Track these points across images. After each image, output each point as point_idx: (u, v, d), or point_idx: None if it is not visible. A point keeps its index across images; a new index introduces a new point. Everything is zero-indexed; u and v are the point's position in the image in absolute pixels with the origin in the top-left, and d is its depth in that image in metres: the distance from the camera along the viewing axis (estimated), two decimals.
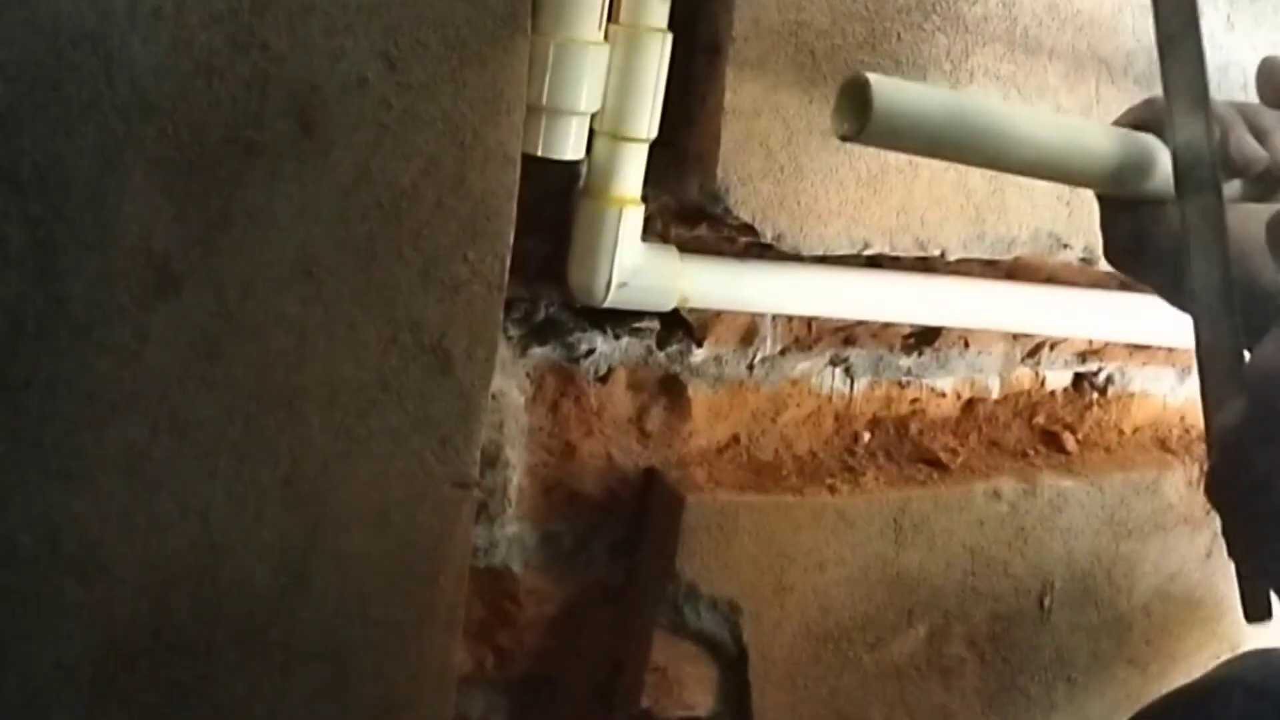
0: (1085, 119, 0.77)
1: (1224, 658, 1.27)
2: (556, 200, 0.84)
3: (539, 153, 0.78)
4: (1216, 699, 0.92)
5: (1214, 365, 0.66)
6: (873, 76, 0.61)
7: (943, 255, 0.94)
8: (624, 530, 0.96)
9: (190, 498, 0.73)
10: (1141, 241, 0.75)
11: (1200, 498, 1.19)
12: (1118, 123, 0.75)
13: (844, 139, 0.63)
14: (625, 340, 0.92)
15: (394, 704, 0.83)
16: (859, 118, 0.61)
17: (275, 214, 0.71)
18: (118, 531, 0.71)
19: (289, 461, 0.75)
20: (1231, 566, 0.74)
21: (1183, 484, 1.18)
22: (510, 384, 0.88)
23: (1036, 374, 1.13)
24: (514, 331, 0.87)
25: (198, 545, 0.74)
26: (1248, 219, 0.69)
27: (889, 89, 0.62)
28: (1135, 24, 0.97)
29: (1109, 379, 1.17)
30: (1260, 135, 0.71)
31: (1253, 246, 0.68)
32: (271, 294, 0.72)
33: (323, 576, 0.78)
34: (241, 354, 0.72)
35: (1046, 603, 1.13)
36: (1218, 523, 1.17)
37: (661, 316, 0.91)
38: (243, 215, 0.70)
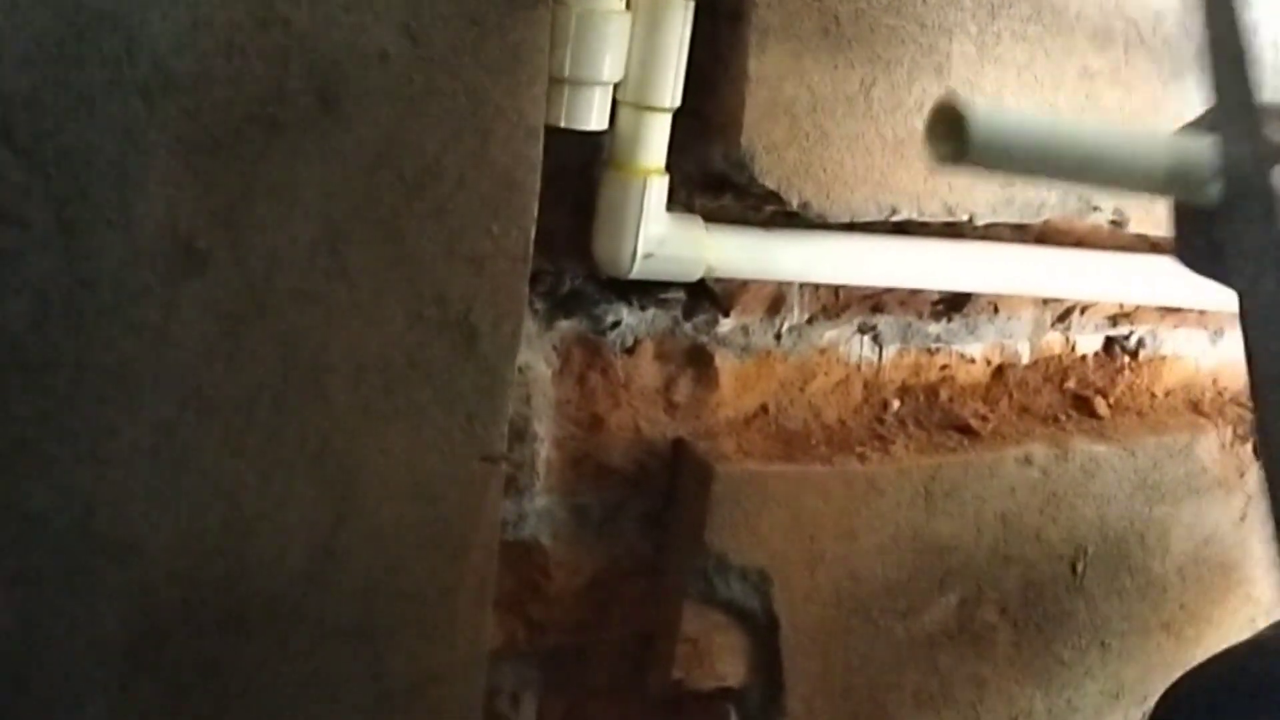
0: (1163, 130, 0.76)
1: (1259, 621, 1.27)
2: (581, 172, 0.84)
3: (562, 124, 0.78)
4: (1270, 657, 0.90)
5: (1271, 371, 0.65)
6: (968, 107, 0.60)
7: (971, 220, 0.93)
8: (653, 502, 0.96)
9: (219, 476, 0.73)
10: (1218, 247, 0.74)
11: (1234, 460, 1.19)
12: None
13: (942, 161, 0.63)
14: (651, 311, 0.91)
15: (426, 678, 0.83)
16: (957, 145, 0.61)
17: (298, 190, 0.70)
18: (148, 511, 0.71)
19: (317, 438, 0.75)
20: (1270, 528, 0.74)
21: (1216, 447, 1.17)
22: (537, 357, 0.88)
23: (1067, 338, 1.13)
24: (540, 304, 0.87)
25: (227, 523, 0.74)
26: None
27: (984, 118, 0.61)
28: None
29: (1140, 342, 1.16)
30: None
31: None
32: (296, 270, 0.72)
33: (352, 553, 0.78)
34: (267, 331, 0.72)
35: (1079, 568, 1.12)
36: (1251, 485, 1.16)
37: (687, 287, 0.91)
38: (266, 192, 0.70)
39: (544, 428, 0.90)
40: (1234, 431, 1.19)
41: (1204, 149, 0.68)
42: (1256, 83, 0.68)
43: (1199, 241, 0.74)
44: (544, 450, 0.91)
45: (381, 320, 0.75)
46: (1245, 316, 0.65)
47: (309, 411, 0.75)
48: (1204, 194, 0.69)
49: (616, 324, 0.90)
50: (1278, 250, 0.65)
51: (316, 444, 0.75)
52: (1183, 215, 0.74)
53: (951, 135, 0.61)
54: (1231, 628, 1.25)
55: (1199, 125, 0.72)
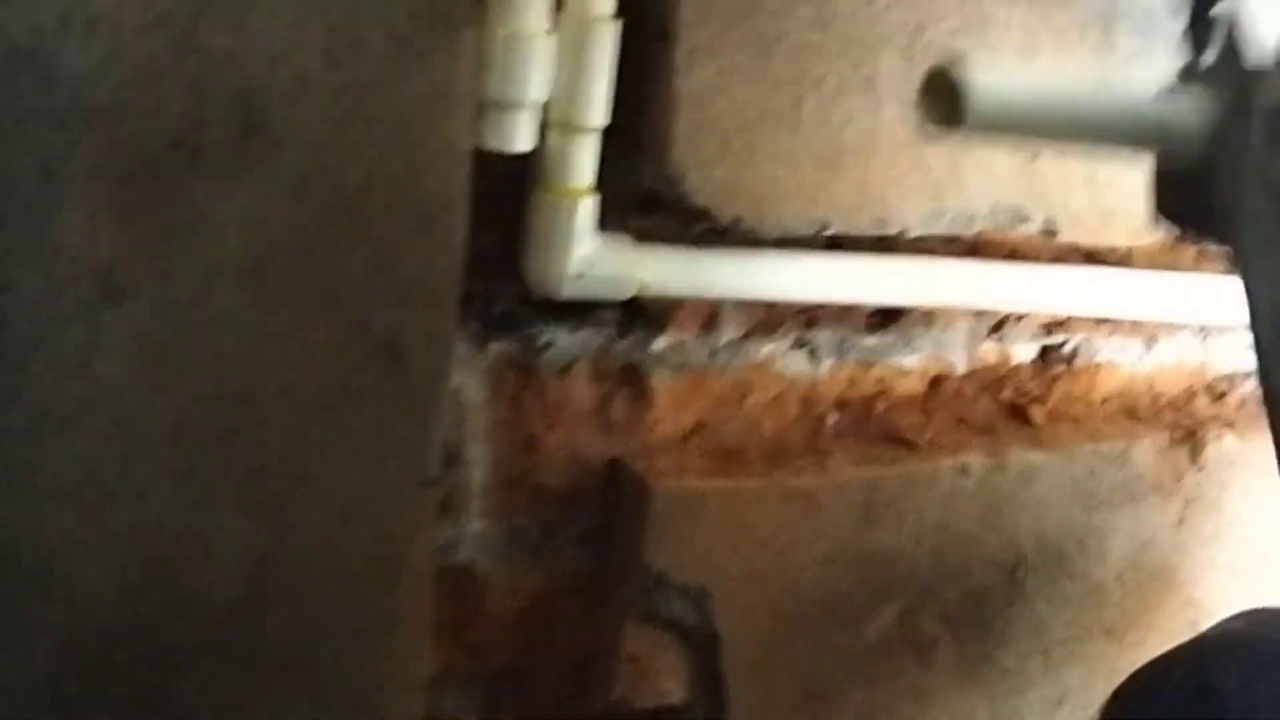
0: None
1: (1200, 624, 1.28)
2: (510, 193, 0.83)
3: (490, 146, 0.78)
4: (1219, 656, 0.91)
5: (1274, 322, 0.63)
6: (963, 72, 0.60)
7: (903, 233, 0.94)
8: (591, 521, 0.96)
9: (147, 508, 0.72)
10: (1199, 202, 0.73)
11: (1170, 465, 1.20)
12: None
13: (936, 127, 0.61)
14: (585, 331, 0.91)
15: (364, 707, 0.83)
16: (954, 109, 0.60)
17: (222, 218, 0.70)
18: (75, 546, 0.70)
19: (246, 468, 0.74)
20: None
21: (1152, 452, 1.18)
22: (469, 380, 0.88)
23: (1002, 348, 1.13)
24: (472, 327, 0.86)
25: (157, 556, 0.73)
26: None
27: (984, 80, 0.60)
28: None
29: (1075, 350, 1.17)
30: None
31: None
32: (221, 298, 0.71)
33: (285, 582, 0.77)
34: (193, 360, 0.71)
35: (1019, 576, 1.13)
36: (1188, 490, 1.17)
37: (621, 306, 0.91)
38: (189, 220, 0.69)
39: (478, 451, 0.90)
40: (1170, 437, 1.19)
41: (1193, 106, 0.68)
42: (1239, 40, 0.68)
43: (1185, 199, 0.73)
44: (479, 473, 0.90)
45: (310, 346, 0.74)
46: (1242, 272, 0.65)
47: (237, 440, 0.74)
48: (1193, 151, 0.68)
49: (550, 345, 0.89)
50: (1267, 200, 0.65)
51: (246, 473, 0.75)
52: (1167, 174, 0.74)
53: (946, 101, 0.60)
54: (1172, 631, 1.26)
55: (1184, 83, 0.72)
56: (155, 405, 0.71)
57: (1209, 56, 0.70)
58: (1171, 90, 0.71)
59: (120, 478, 0.71)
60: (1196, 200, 0.71)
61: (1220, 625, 1.02)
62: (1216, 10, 0.70)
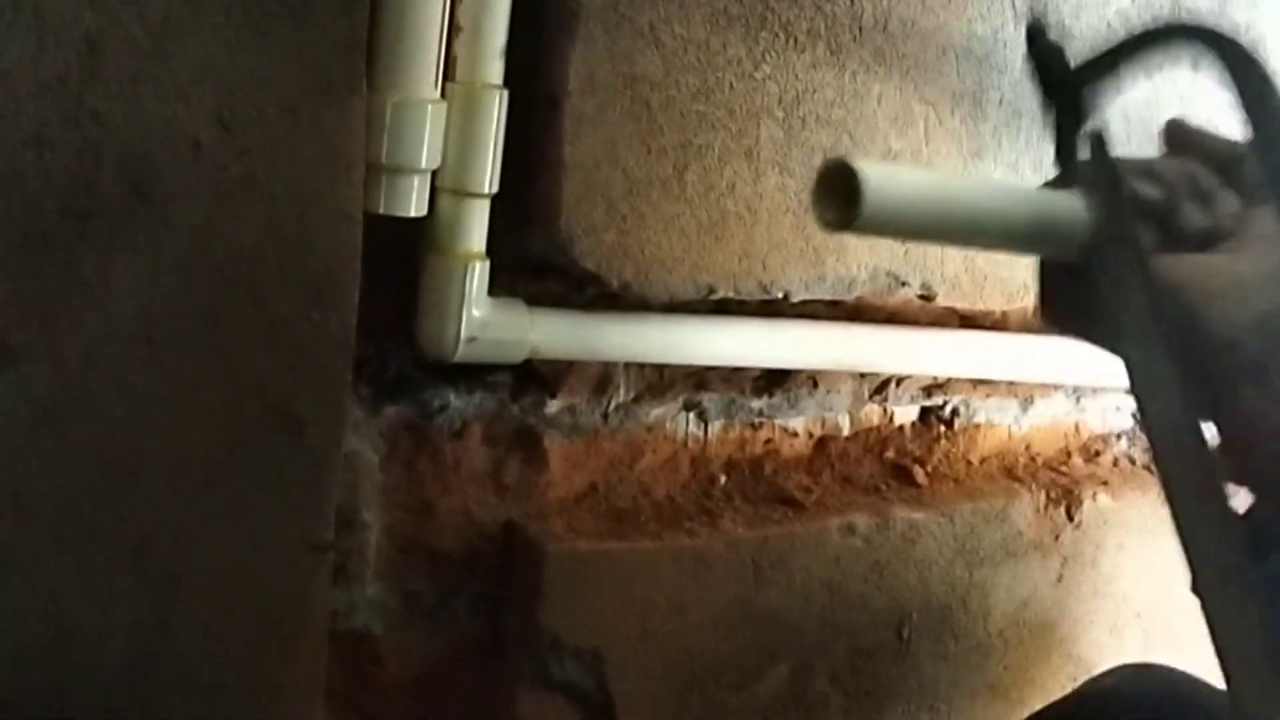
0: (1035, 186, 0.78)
1: (1080, 680, 1.31)
2: (402, 257, 0.84)
3: (381, 210, 0.79)
4: (1093, 711, 0.94)
5: (1161, 419, 0.64)
6: (860, 165, 0.59)
7: (786, 297, 0.96)
8: (486, 585, 0.96)
9: (37, 577, 0.72)
10: (1082, 302, 0.75)
11: (1049, 524, 1.23)
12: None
13: (828, 228, 0.61)
14: (478, 395, 0.92)
15: None
16: (847, 208, 0.59)
17: (113, 283, 0.70)
18: None
19: (137, 534, 0.74)
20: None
21: (1030, 511, 1.21)
22: (363, 444, 0.88)
23: (885, 410, 1.16)
24: (365, 391, 0.87)
25: (48, 626, 0.72)
26: (1195, 269, 0.69)
27: (877, 178, 0.59)
28: (959, 68, 1.00)
29: (955, 412, 1.20)
30: (1203, 195, 0.72)
31: (1203, 295, 0.67)
32: (112, 363, 0.71)
33: (178, 651, 0.77)
34: (83, 426, 0.71)
35: (905, 634, 1.15)
36: (1066, 547, 1.20)
37: (514, 369, 0.92)
38: (79, 285, 0.69)
39: (373, 515, 0.90)
40: (1047, 496, 1.23)
41: (1072, 207, 0.69)
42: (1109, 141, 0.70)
43: (1068, 301, 0.74)
44: (373, 537, 0.91)
45: (201, 411, 0.74)
46: (1130, 377, 0.66)
47: (129, 507, 0.73)
48: (1073, 253, 0.70)
49: (444, 408, 0.90)
50: (1146, 303, 0.65)
51: (137, 540, 0.74)
52: (1050, 274, 0.76)
53: (838, 203, 0.59)
54: (1054, 686, 1.29)
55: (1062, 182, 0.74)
56: (46, 472, 0.70)
57: (1082, 156, 0.72)
58: (1051, 187, 0.73)
59: (9, 546, 0.70)
60: (1079, 302, 0.73)
61: (1093, 681, 1.05)
62: (1087, 119, 0.73)
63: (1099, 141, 0.71)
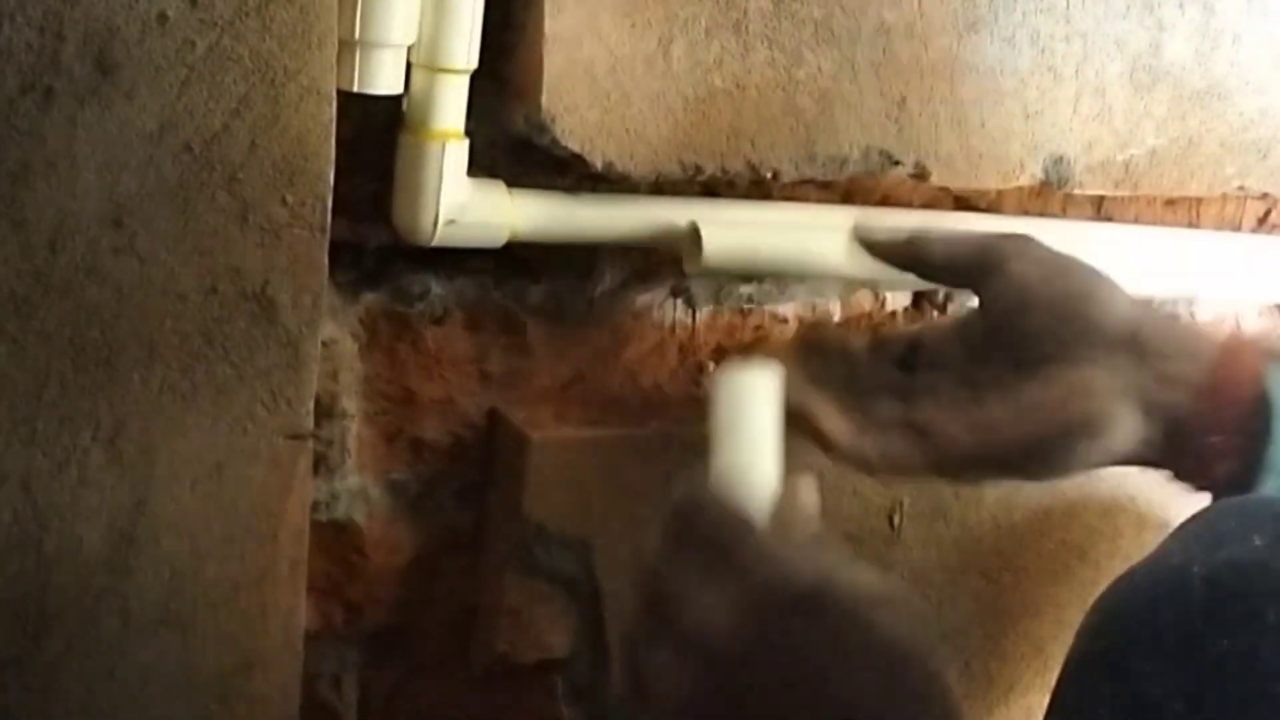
0: None
1: (1072, 565, 1.30)
2: (378, 138, 0.82)
3: (355, 88, 0.76)
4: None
5: None
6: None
7: (776, 177, 0.94)
8: (471, 475, 0.95)
9: (10, 464, 0.70)
10: None
11: None
12: None
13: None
14: (460, 281, 0.90)
15: (240, 665, 0.81)
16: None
17: (79, 163, 0.68)
18: None
19: (111, 421, 0.73)
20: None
21: None
22: (342, 331, 0.86)
23: (876, 295, 1.14)
24: (342, 277, 0.85)
25: (21, 514, 0.71)
26: None
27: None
28: None
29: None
30: None
31: None
32: (81, 247, 0.69)
33: (156, 538, 0.76)
34: (54, 312, 0.70)
35: (896, 522, 1.14)
36: None
37: (496, 255, 0.89)
38: (44, 165, 0.67)
39: (353, 404, 0.89)
40: None
41: None
42: None
43: None
44: (354, 427, 0.89)
45: (174, 296, 0.73)
46: None
47: (102, 393, 0.72)
48: None
49: (424, 294, 0.88)
50: None
51: (112, 427, 0.73)
52: None
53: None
54: (1046, 573, 1.29)
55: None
56: (15, 358, 0.69)
57: None
58: None
59: None
60: None
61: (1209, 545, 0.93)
62: None
63: None
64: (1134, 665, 0.68)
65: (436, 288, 0.89)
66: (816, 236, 0.97)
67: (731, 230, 0.93)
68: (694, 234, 0.90)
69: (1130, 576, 0.76)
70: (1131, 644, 0.70)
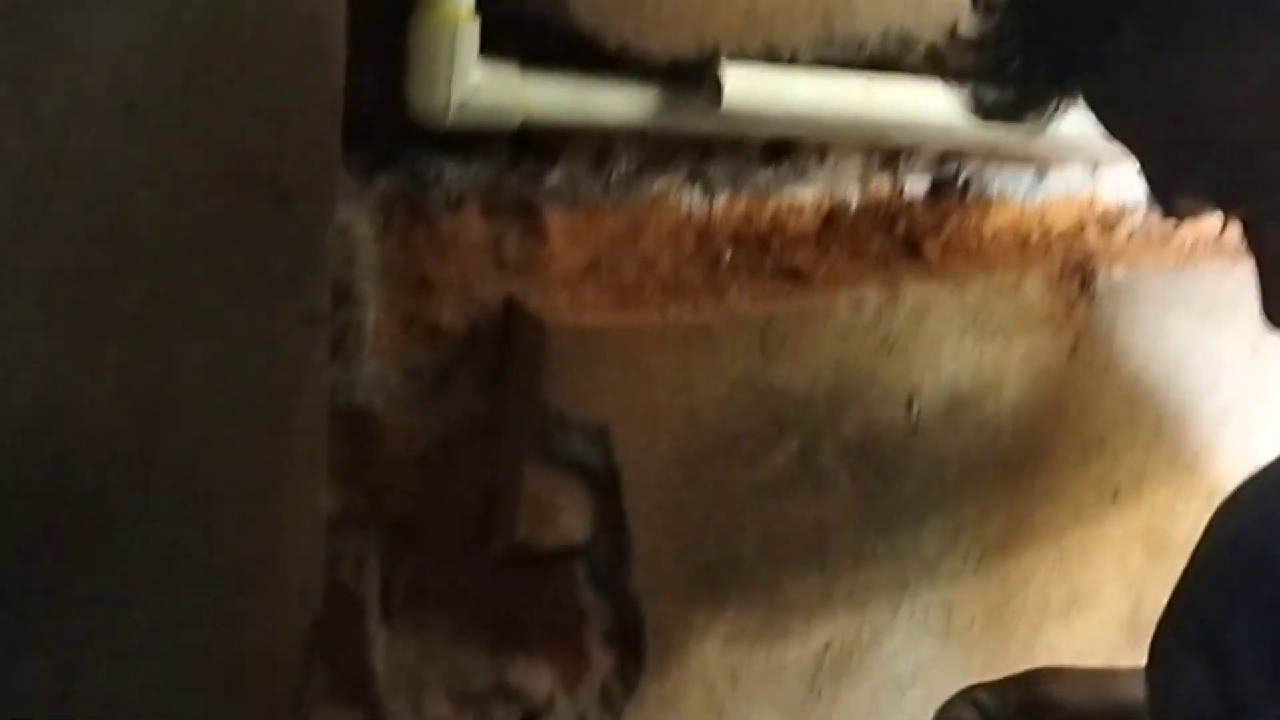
0: None
1: (1089, 454, 1.30)
2: (390, 19, 0.81)
3: None
4: None
5: None
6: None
7: (793, 59, 0.92)
8: (488, 361, 0.95)
9: (31, 350, 0.70)
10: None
11: (1062, 296, 1.21)
12: None
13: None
14: (474, 165, 0.89)
15: (262, 550, 0.82)
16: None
17: (89, 44, 0.67)
18: None
19: (128, 307, 0.72)
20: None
21: (1044, 284, 1.19)
22: (358, 216, 0.86)
23: (895, 182, 1.13)
24: (356, 161, 0.84)
25: (43, 399, 0.71)
26: None
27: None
28: None
29: (967, 183, 1.17)
30: None
31: None
32: (93, 132, 0.68)
33: (176, 423, 0.76)
34: (67, 198, 0.69)
35: (915, 410, 1.14)
36: (1080, 320, 1.19)
37: (510, 139, 0.89)
38: (53, 45, 0.66)
39: (370, 290, 0.88)
40: (1061, 268, 1.21)
41: None
42: None
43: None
44: (371, 313, 0.89)
45: (187, 181, 0.72)
46: None
47: (118, 280, 0.72)
48: None
49: (439, 179, 0.88)
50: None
51: (129, 313, 0.72)
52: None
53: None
54: (1065, 462, 1.29)
55: None
56: (30, 245, 0.68)
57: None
58: None
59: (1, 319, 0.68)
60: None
61: None
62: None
63: None
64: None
65: (451, 172, 0.88)
66: (838, 90, 0.95)
67: (751, 79, 0.91)
68: (715, 84, 0.88)
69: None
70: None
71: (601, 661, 1.05)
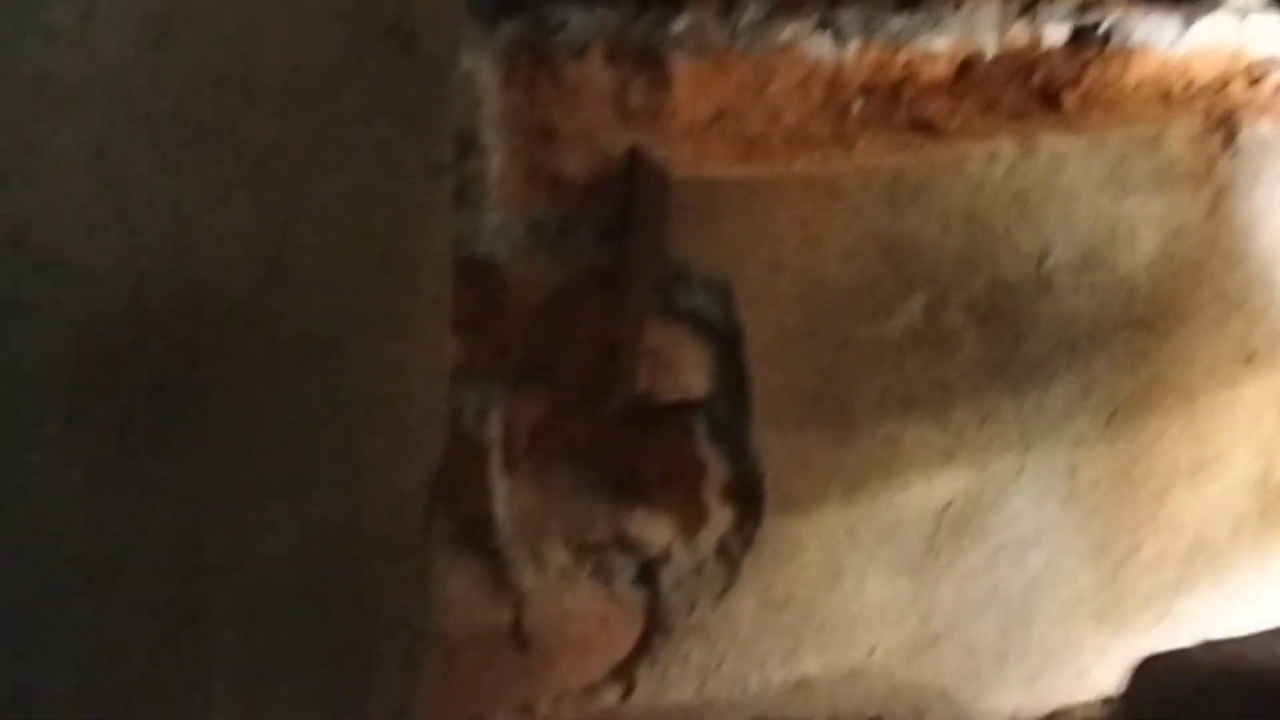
0: None
1: (1225, 319, 1.26)
2: None
3: None
4: None
5: None
6: None
7: None
8: (611, 213, 0.94)
9: (157, 191, 0.70)
10: None
11: (1204, 152, 1.16)
12: None
13: None
14: (599, 11, 0.87)
15: (386, 397, 0.82)
16: None
17: None
18: (85, 228, 0.69)
19: (253, 150, 0.72)
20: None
21: (1185, 138, 1.15)
22: (481, 62, 0.84)
23: (1034, 30, 1.09)
24: (481, 5, 0.83)
25: (168, 240, 0.72)
26: None
27: None
28: None
29: (1109, 32, 1.13)
30: None
31: None
32: None
33: (300, 268, 0.76)
34: (193, 39, 0.68)
35: (1047, 267, 1.11)
36: (1221, 177, 1.14)
37: None
38: None
39: (493, 139, 0.87)
40: (1203, 122, 1.16)
41: None
42: None
43: None
44: (495, 162, 0.88)
45: (311, 24, 0.71)
46: None
47: (243, 122, 0.71)
48: None
49: (563, 24, 0.86)
50: None
51: (253, 156, 0.72)
52: None
53: None
54: (1200, 323, 1.25)
55: None
56: (157, 84, 0.68)
57: None
58: None
59: (127, 160, 0.69)
60: None
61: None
62: None
63: None
64: None
65: (576, 18, 0.86)
66: None
67: None
68: None
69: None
70: None
71: (720, 514, 1.06)
